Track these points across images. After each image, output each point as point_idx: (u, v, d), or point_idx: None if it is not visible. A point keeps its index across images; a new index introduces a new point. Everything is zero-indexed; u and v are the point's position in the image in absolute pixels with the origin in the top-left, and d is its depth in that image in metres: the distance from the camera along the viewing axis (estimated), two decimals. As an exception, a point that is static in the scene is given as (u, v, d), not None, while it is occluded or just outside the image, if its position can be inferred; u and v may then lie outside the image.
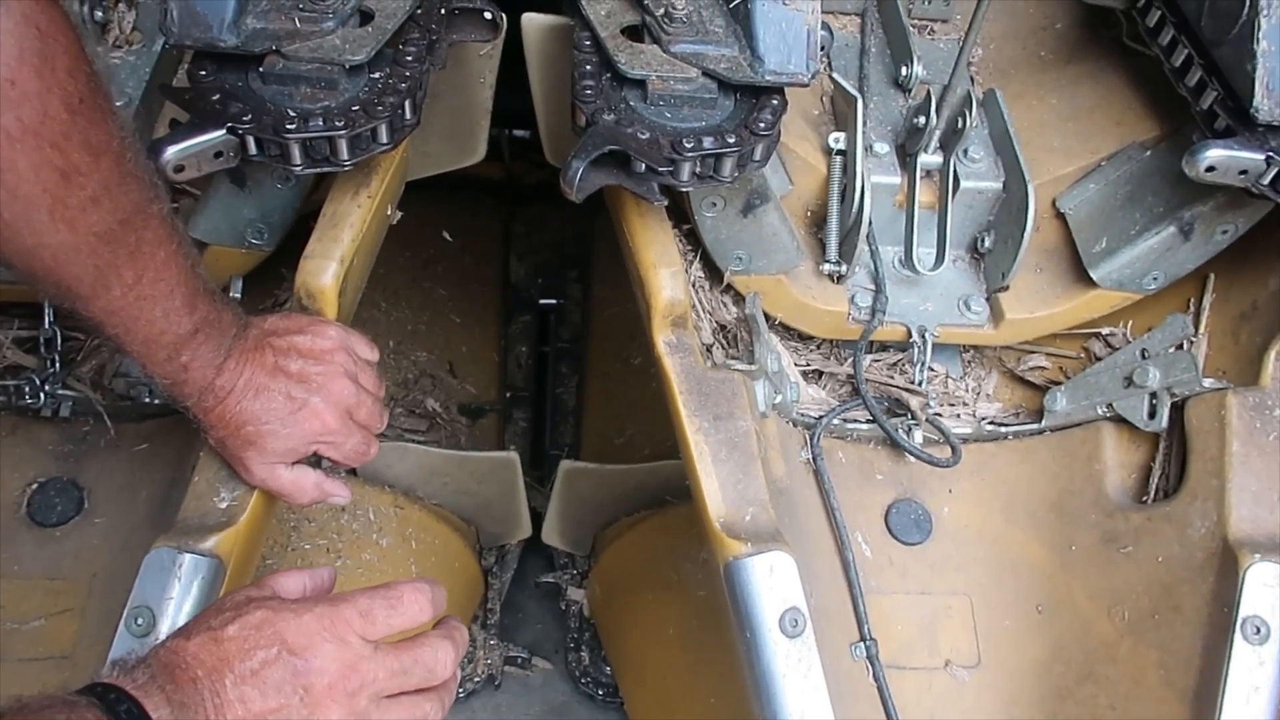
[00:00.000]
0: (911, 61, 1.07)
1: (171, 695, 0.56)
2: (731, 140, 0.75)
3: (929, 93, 1.00)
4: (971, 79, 1.12)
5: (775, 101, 0.79)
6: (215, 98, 0.73)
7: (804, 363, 1.06)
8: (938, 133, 0.99)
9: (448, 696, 0.71)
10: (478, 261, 1.90)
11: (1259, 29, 0.81)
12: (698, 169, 0.76)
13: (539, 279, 2.05)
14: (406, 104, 0.77)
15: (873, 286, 1.02)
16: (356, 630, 0.64)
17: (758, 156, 0.78)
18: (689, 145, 0.74)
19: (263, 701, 0.59)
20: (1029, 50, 1.13)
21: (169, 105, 0.99)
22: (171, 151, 0.70)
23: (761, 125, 0.77)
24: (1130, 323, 1.04)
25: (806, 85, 0.79)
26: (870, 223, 0.99)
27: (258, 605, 0.63)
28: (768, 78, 0.78)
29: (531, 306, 1.99)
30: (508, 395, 1.84)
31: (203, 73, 0.75)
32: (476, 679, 1.54)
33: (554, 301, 2.01)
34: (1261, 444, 0.86)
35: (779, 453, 0.94)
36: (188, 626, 0.62)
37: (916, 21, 1.17)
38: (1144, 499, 0.94)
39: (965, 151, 1.01)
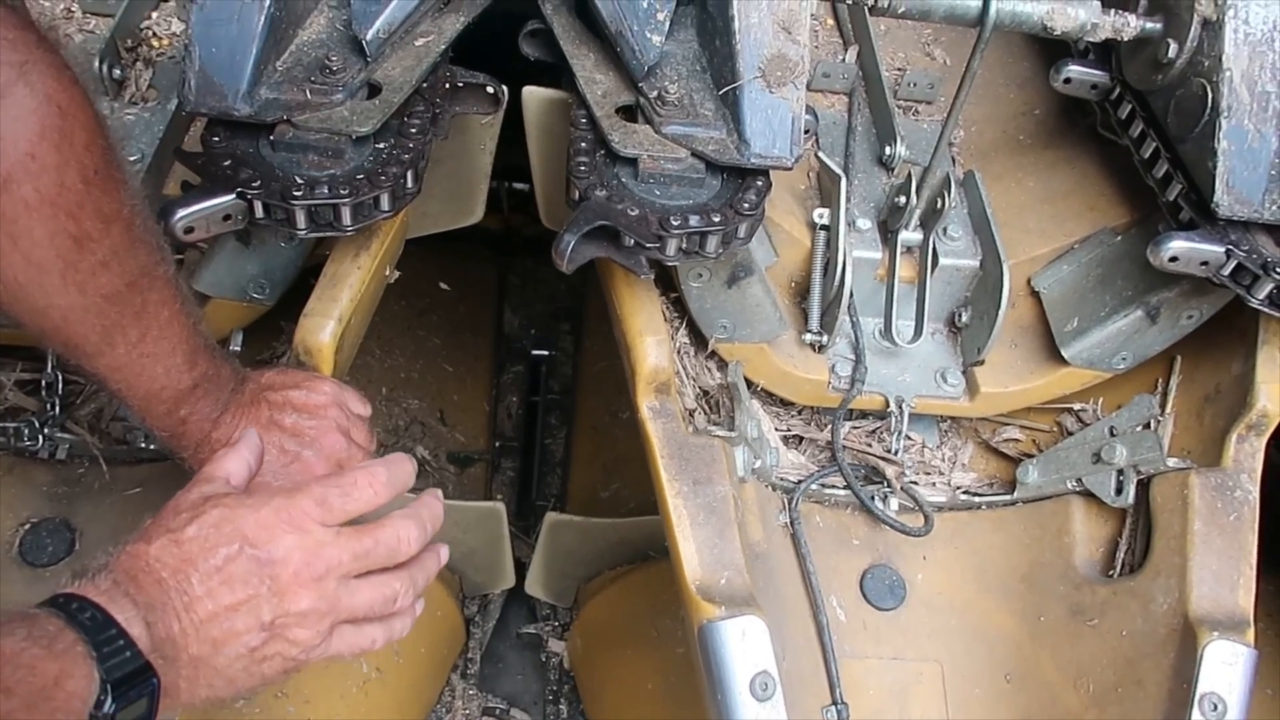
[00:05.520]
0: (895, 142, 1.11)
1: (137, 598, 0.57)
2: (717, 219, 0.79)
3: (910, 173, 1.04)
4: (953, 159, 1.17)
5: (760, 183, 0.83)
6: (226, 163, 0.77)
7: (785, 428, 1.09)
8: (918, 212, 1.03)
9: (420, 574, 0.72)
10: (472, 311, 1.94)
11: (1219, 129, 0.85)
12: (684, 245, 0.80)
13: (532, 330, 2.08)
14: (409, 174, 0.81)
15: (853, 356, 1.05)
16: (315, 518, 0.65)
17: (742, 235, 0.82)
18: (676, 223, 0.78)
19: (231, 595, 0.60)
20: (1009, 134, 1.18)
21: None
22: (182, 214, 0.73)
23: (746, 205, 0.81)
24: (1101, 399, 1.07)
25: (790, 169, 0.83)
26: (851, 295, 1.03)
27: (214, 503, 0.64)
28: (753, 160, 0.82)
29: (524, 357, 2.02)
30: (497, 445, 1.86)
31: (215, 139, 0.78)
32: (454, 729, 1.54)
33: (545, 353, 2.04)
34: (1223, 524, 0.89)
35: (757, 517, 0.97)
36: (146, 530, 0.62)
37: (902, 102, 1.22)
38: (1110, 573, 0.97)
39: (945, 230, 1.05)
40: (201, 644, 0.59)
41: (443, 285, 1.70)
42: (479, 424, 1.83)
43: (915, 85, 1.22)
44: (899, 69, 1.24)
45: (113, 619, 0.55)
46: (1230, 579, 0.86)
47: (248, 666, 0.61)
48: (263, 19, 0.79)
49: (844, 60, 1.21)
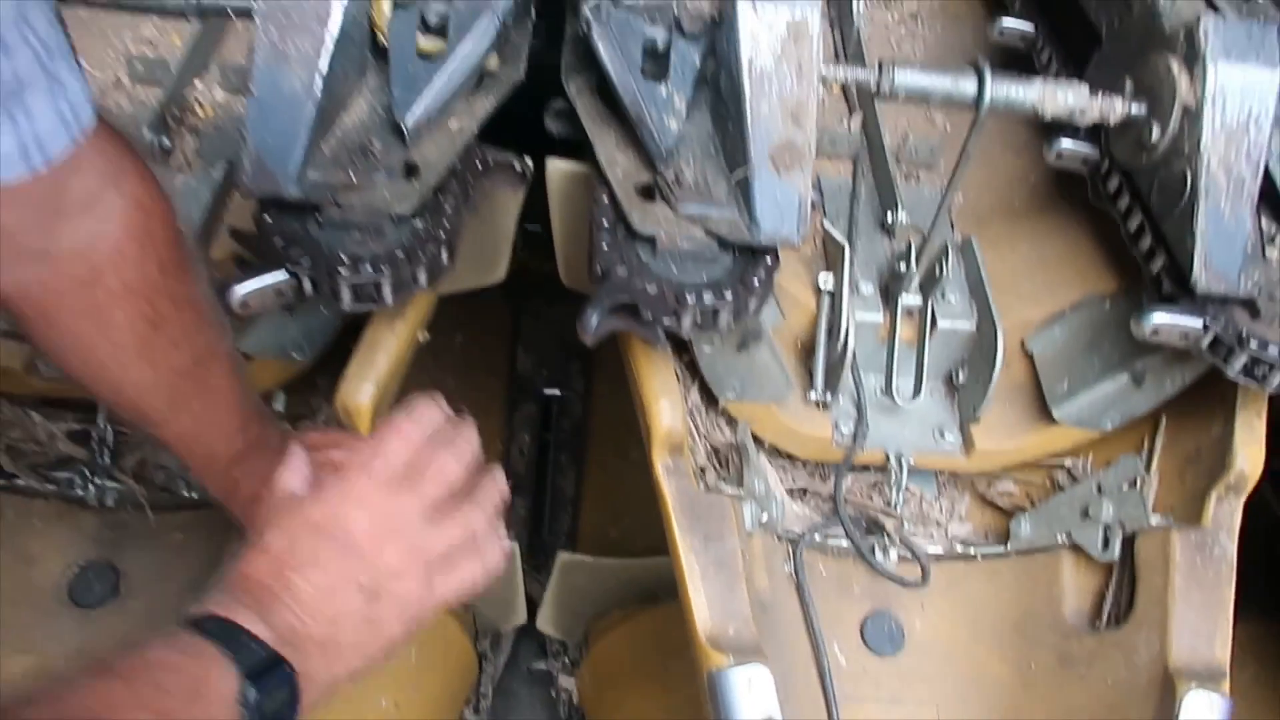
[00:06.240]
0: (896, 208, 1.18)
1: (250, 605, 0.63)
2: (729, 296, 0.85)
3: (910, 241, 1.10)
4: (952, 224, 1.23)
5: (769, 260, 0.89)
6: (279, 242, 0.83)
7: (791, 481, 1.15)
8: (917, 278, 1.09)
9: (483, 496, 0.78)
10: (486, 352, 2.00)
11: (1198, 210, 0.91)
12: (698, 320, 0.86)
13: (544, 369, 2.13)
14: (444, 250, 0.87)
15: (856, 414, 1.11)
16: (367, 484, 0.71)
17: (751, 309, 0.88)
18: (691, 300, 0.84)
19: (326, 576, 0.66)
20: (1005, 200, 1.24)
21: (224, 223, 1.09)
22: (239, 292, 0.80)
23: (756, 282, 0.87)
24: (1091, 456, 1.12)
25: (797, 248, 0.89)
26: (854, 356, 1.09)
27: (284, 511, 0.70)
28: (763, 240, 0.88)
29: (536, 396, 2.08)
30: (510, 483, 1.91)
31: (268, 219, 0.85)
32: (467, 763, 1.59)
33: (557, 392, 2.09)
34: (1201, 579, 0.94)
35: (763, 567, 1.02)
36: (238, 554, 0.68)
37: (904, 168, 1.29)
38: (1098, 624, 1.02)
39: (943, 294, 1.12)
40: (320, 625, 0.64)
41: (458, 338, 1.76)
42: (492, 463, 1.88)
43: (917, 151, 1.29)
44: (902, 134, 1.31)
45: (236, 623, 0.61)
46: (1208, 632, 0.91)
47: (370, 633, 0.66)
48: (311, 108, 0.86)
49: (848, 127, 1.28)
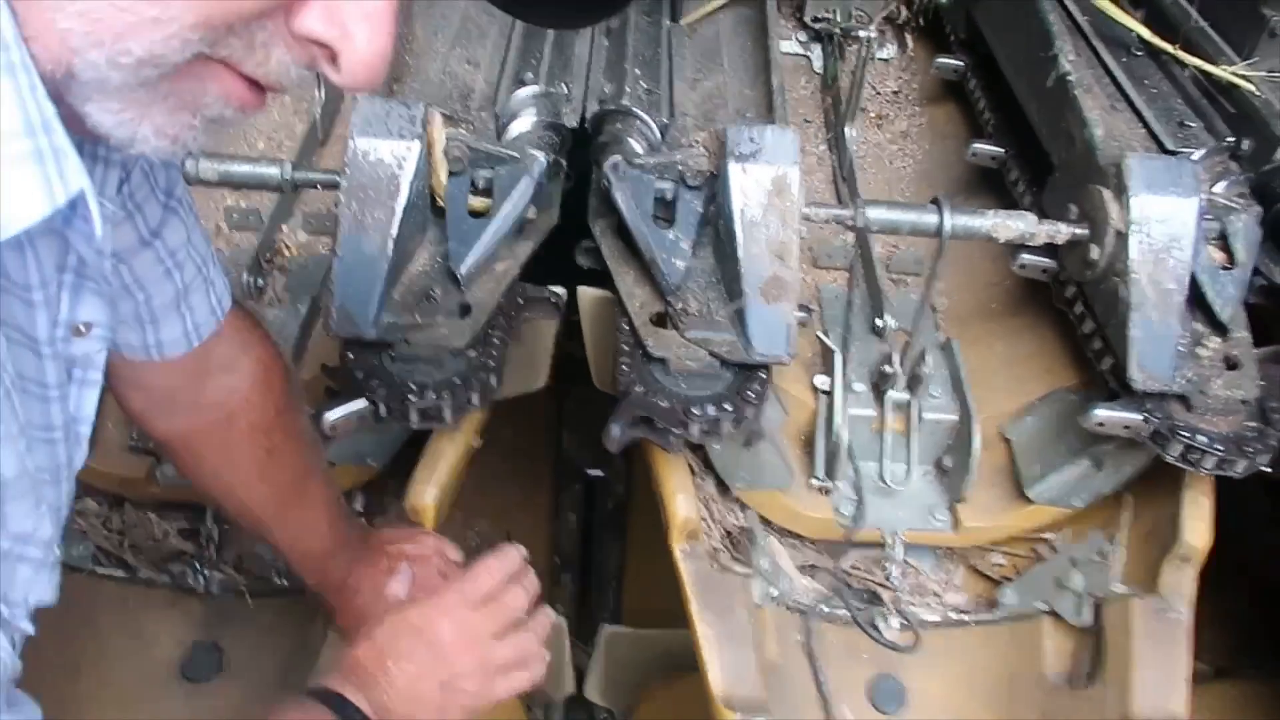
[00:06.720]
0: (884, 315, 1.34)
1: (358, 684, 0.81)
2: (729, 407, 1.02)
3: (895, 343, 1.27)
4: (937, 325, 1.40)
5: (763, 375, 1.06)
6: (360, 375, 1.02)
7: (801, 558, 1.30)
8: (903, 378, 1.25)
9: (538, 627, 0.98)
10: (534, 437, 2.18)
11: (1131, 320, 1.07)
12: (704, 428, 1.03)
13: (587, 451, 2.30)
14: (493, 376, 1.06)
15: (855, 497, 1.27)
16: (458, 604, 0.91)
17: (749, 416, 1.05)
18: (697, 412, 1.02)
19: (415, 668, 0.85)
20: (982, 302, 1.40)
21: (312, 354, 1.30)
22: (329, 419, 0.99)
23: (751, 394, 1.04)
24: (1070, 531, 1.26)
25: (787, 364, 1.06)
26: (850, 446, 1.25)
27: (391, 613, 0.90)
28: (757, 358, 1.06)
29: (580, 476, 2.25)
30: (557, 560, 2.07)
31: (350, 355, 1.04)
32: (517, 829, 1.72)
33: (600, 473, 2.26)
34: (1160, 642, 1.07)
35: (774, 636, 1.17)
36: (354, 642, 0.88)
37: (894, 275, 1.46)
38: (1075, 682, 1.15)
39: (928, 389, 1.27)
40: (404, 706, 0.83)
41: (508, 431, 1.93)
42: (541, 542, 2.05)
43: (906, 262, 1.46)
44: (893, 246, 1.49)
45: (345, 697, 0.80)
46: (1166, 689, 1.04)
47: (440, 716, 0.86)
48: (384, 265, 1.06)
49: (846, 241, 1.46)
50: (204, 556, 1.26)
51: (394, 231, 1.06)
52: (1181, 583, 1.09)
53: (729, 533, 1.21)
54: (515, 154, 1.16)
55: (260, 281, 1.35)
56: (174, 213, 0.72)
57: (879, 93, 1.73)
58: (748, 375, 1.06)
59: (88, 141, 0.51)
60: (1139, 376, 1.06)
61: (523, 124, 1.22)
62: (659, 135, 1.21)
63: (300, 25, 0.46)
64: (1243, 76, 1.29)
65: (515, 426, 2.08)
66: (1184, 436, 1.03)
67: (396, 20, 0.47)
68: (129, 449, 1.21)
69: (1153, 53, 1.38)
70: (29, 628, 0.59)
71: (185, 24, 0.42)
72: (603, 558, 2.13)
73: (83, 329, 0.59)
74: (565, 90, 1.36)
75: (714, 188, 1.12)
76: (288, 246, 1.42)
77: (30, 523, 0.56)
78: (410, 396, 1.01)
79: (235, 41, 0.45)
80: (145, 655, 1.24)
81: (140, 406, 0.87)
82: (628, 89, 1.30)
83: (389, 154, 1.07)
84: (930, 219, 1.12)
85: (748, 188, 1.07)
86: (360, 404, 1.01)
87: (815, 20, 1.75)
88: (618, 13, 1.45)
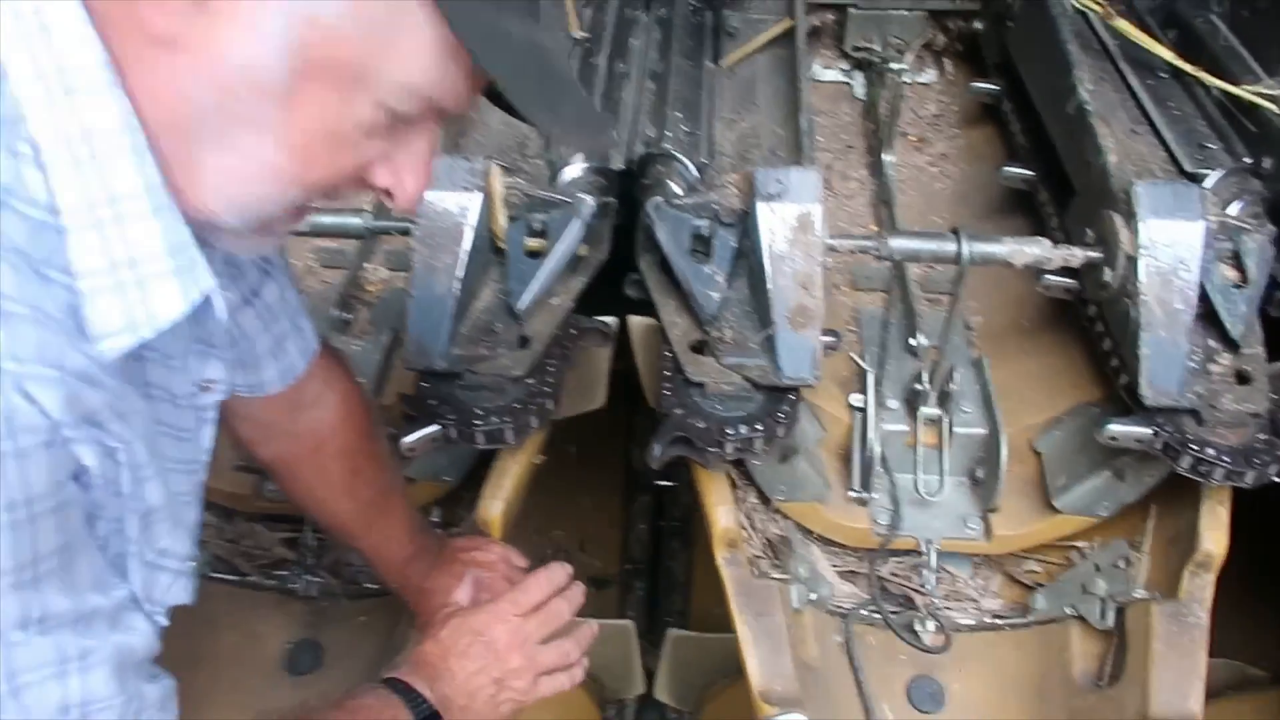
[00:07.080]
0: (917, 334, 1.43)
1: (424, 676, 0.94)
2: (760, 428, 1.13)
3: (929, 361, 1.35)
4: (971, 342, 1.47)
5: (792, 397, 1.16)
6: (433, 402, 1.16)
7: (842, 564, 1.39)
8: (934, 395, 1.33)
9: (580, 637, 1.10)
10: (604, 450, 2.30)
11: (1141, 339, 1.13)
12: (739, 446, 1.13)
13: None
14: (550, 401, 1.18)
15: (891, 507, 1.35)
16: (512, 611, 1.04)
17: (780, 435, 1.15)
18: (731, 432, 1.12)
19: (473, 665, 0.98)
20: (1014, 319, 1.47)
21: (394, 381, 1.45)
22: (406, 442, 1.13)
23: (781, 415, 1.14)
24: (1097, 539, 1.32)
25: (813, 386, 1.16)
26: (885, 460, 1.34)
27: (455, 616, 1.02)
28: (785, 380, 1.16)
29: (649, 487, 2.36)
30: (628, 567, 2.20)
31: (424, 384, 1.18)
32: (593, 824, 1.84)
33: (668, 483, 2.37)
34: (1177, 645, 1.12)
35: (813, 638, 1.27)
36: (421, 638, 1.01)
37: (930, 295, 1.54)
38: (1099, 683, 1.21)
39: (959, 404, 1.35)
40: (462, 698, 0.96)
41: (570, 449, 2.05)
42: (613, 550, 2.17)
43: (939, 281, 1.54)
44: (929, 266, 1.57)
45: (414, 688, 0.93)
46: (1183, 691, 1.10)
47: (490, 708, 0.99)
48: (453, 303, 1.19)
49: (882, 264, 1.55)
50: (304, 563, 1.42)
51: (460, 273, 1.19)
52: (1199, 588, 1.14)
53: (770, 541, 1.31)
54: (567, 198, 1.29)
55: (347, 315, 1.50)
56: (269, 275, 0.87)
57: (919, 116, 1.80)
58: (778, 397, 1.17)
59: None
60: (1149, 392, 1.13)
61: (573, 170, 1.35)
62: (697, 175, 1.33)
63: (372, 179, 0.65)
64: (1266, 96, 1.33)
65: (588, 442, 2.22)
66: (1193, 449, 1.09)
67: (432, 163, 0.66)
68: (238, 468, 1.38)
69: (1177, 74, 1.43)
70: (164, 621, 0.75)
71: (300, 197, 0.60)
72: (671, 564, 2.24)
73: (208, 385, 0.75)
74: (613, 136, 1.48)
75: (745, 225, 1.22)
76: (371, 283, 1.58)
77: (171, 540, 0.72)
78: (476, 421, 1.15)
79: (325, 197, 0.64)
80: (254, 651, 1.40)
81: (246, 434, 1.02)
82: (669, 132, 1.41)
83: (454, 204, 1.22)
84: (950, 247, 1.21)
85: (775, 225, 1.18)
86: (433, 428, 1.14)
87: (855, 49, 1.84)
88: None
